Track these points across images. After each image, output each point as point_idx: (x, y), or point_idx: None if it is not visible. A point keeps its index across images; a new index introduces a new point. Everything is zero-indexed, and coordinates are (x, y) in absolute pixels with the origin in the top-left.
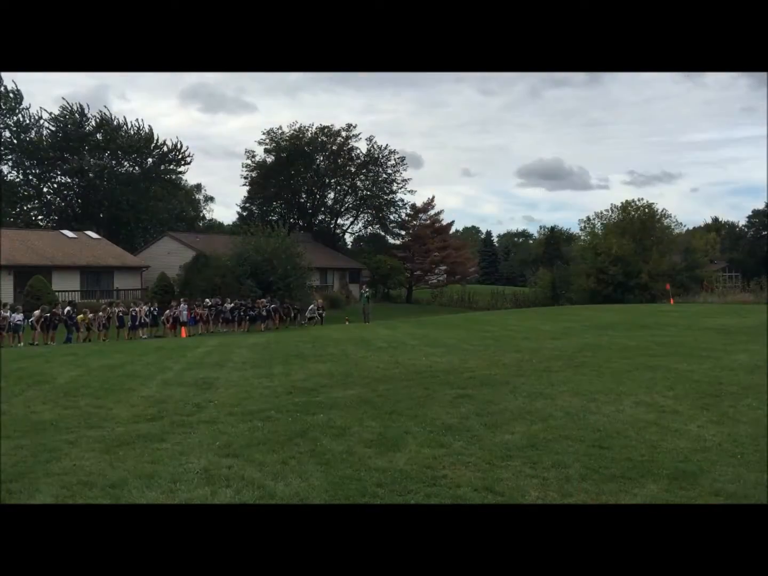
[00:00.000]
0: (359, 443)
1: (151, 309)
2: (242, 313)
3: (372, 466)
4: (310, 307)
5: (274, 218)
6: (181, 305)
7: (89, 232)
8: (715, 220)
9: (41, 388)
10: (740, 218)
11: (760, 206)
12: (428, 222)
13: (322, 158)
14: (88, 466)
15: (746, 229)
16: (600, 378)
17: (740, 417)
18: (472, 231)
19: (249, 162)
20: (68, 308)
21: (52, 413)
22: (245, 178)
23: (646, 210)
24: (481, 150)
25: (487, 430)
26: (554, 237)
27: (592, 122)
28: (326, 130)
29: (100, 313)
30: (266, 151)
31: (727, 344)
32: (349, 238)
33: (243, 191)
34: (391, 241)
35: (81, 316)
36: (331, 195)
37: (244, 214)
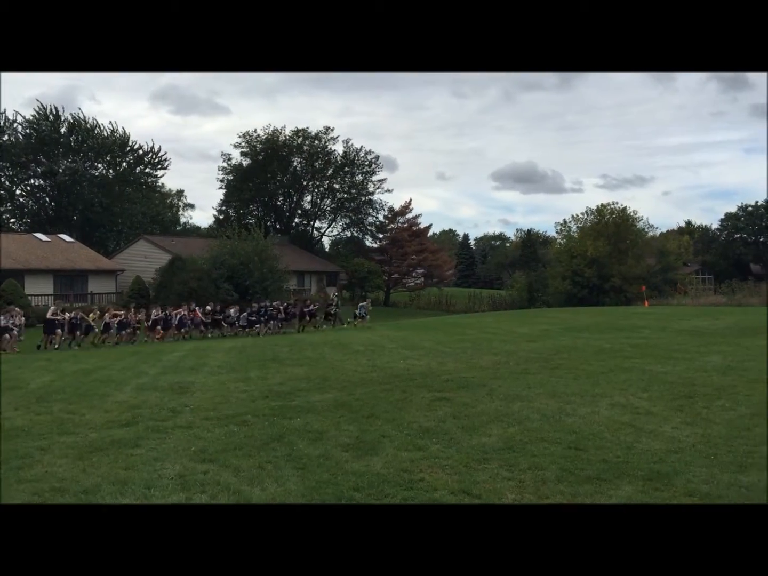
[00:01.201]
0: (336, 447)
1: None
2: (262, 316)
3: (349, 470)
4: (361, 304)
5: (251, 221)
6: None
7: (62, 236)
8: (688, 223)
9: (13, 393)
10: (713, 221)
11: (732, 209)
12: (406, 225)
13: (298, 161)
14: (61, 472)
15: (718, 233)
16: (576, 380)
17: (713, 418)
18: (449, 234)
19: (225, 165)
20: (74, 312)
21: (24, 419)
22: (221, 181)
23: (621, 213)
24: (457, 153)
25: (464, 432)
26: (530, 240)
27: (568, 126)
28: (302, 132)
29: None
30: (242, 154)
31: (701, 346)
32: (326, 242)
33: (219, 194)
34: (368, 244)
35: (92, 315)
36: (308, 198)
37: (221, 217)
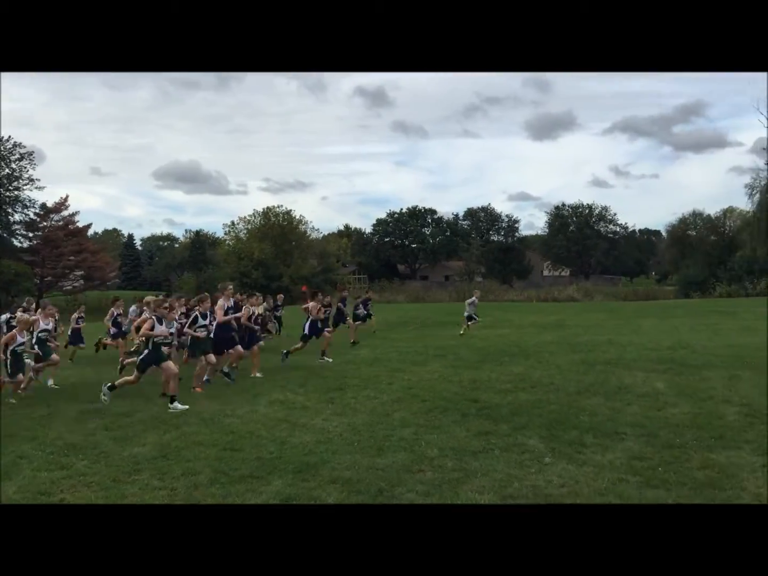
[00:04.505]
0: None
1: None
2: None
3: None
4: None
5: None
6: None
7: None
8: (347, 227)
9: None
10: (367, 226)
11: (383, 215)
12: (61, 224)
13: None
14: None
15: (372, 236)
16: (239, 380)
17: (359, 407)
18: (113, 234)
19: None
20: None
21: None
22: None
23: (285, 216)
24: (120, 149)
25: (115, 444)
26: (200, 241)
27: (236, 129)
28: None
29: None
30: None
31: None
32: None
33: None
34: (17, 243)
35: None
36: None
37: None
